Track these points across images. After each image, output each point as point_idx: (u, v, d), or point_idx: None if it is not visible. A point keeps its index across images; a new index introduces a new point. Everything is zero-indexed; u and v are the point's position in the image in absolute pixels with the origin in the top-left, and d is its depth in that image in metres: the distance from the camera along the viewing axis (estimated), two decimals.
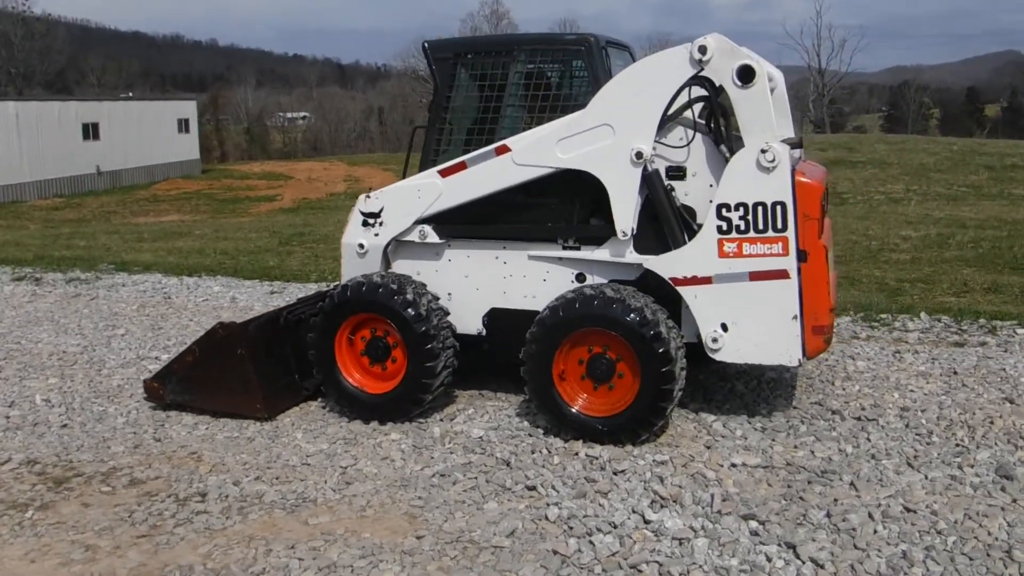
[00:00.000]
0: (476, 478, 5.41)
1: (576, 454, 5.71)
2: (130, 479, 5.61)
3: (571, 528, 4.71)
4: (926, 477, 5.24)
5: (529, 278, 6.31)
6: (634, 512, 4.86)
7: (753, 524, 4.71)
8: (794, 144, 5.97)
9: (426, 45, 6.52)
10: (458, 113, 6.47)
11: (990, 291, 10.57)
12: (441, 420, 6.39)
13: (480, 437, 6.05)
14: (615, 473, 5.40)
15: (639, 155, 5.75)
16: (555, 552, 4.48)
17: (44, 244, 17.63)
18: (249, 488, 5.39)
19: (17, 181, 31.43)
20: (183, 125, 45.68)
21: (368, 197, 6.63)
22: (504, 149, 6.11)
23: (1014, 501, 4.91)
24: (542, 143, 6.00)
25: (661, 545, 4.52)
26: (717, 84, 5.67)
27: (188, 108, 47.07)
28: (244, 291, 11.55)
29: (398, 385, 6.28)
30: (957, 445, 5.72)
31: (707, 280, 5.79)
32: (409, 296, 6.16)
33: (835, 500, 4.95)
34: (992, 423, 6.06)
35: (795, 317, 5.65)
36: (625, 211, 5.88)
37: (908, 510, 4.81)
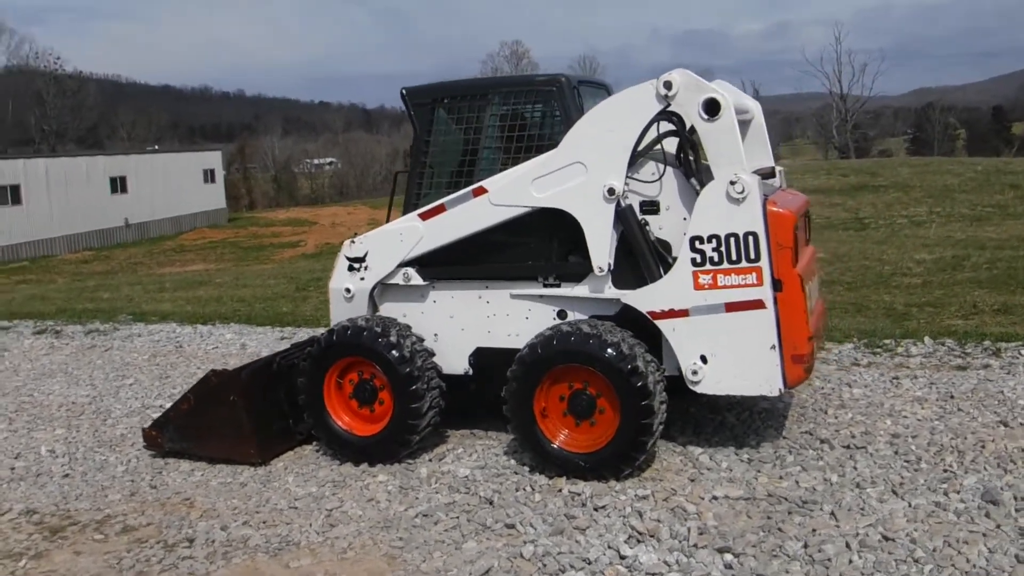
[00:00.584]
0: (458, 518, 5.45)
1: (559, 491, 5.73)
2: (123, 526, 5.73)
3: (544, 566, 4.73)
4: (909, 505, 5.18)
5: (512, 316, 6.38)
6: (609, 548, 4.87)
7: (728, 557, 4.70)
8: (766, 174, 6.03)
9: (404, 91, 6.70)
10: (437, 157, 6.61)
11: (1000, 312, 10.44)
12: (430, 460, 6.45)
13: (466, 476, 6.09)
14: (595, 509, 5.41)
15: (611, 191, 5.84)
16: None
17: (69, 297, 18.04)
18: (236, 533, 5.47)
19: (47, 236, 32.24)
20: (209, 175, 46.62)
21: (353, 242, 6.77)
22: (481, 191, 6.23)
23: (998, 527, 4.84)
24: (517, 183, 6.11)
25: None
26: (685, 118, 5.76)
27: (213, 159, 48.07)
28: (255, 338, 11.72)
29: (385, 427, 6.36)
30: (945, 471, 5.66)
31: (684, 313, 5.83)
32: (393, 339, 6.26)
33: (813, 530, 4.92)
34: (983, 447, 5.99)
35: (773, 347, 5.66)
36: (600, 247, 5.95)
37: (886, 538, 4.77)
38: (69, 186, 33.22)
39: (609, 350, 5.67)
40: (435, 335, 6.60)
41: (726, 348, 5.77)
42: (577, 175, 5.94)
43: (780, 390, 5.73)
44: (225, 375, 6.66)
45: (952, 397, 7.16)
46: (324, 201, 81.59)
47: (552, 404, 5.98)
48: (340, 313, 6.81)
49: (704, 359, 5.81)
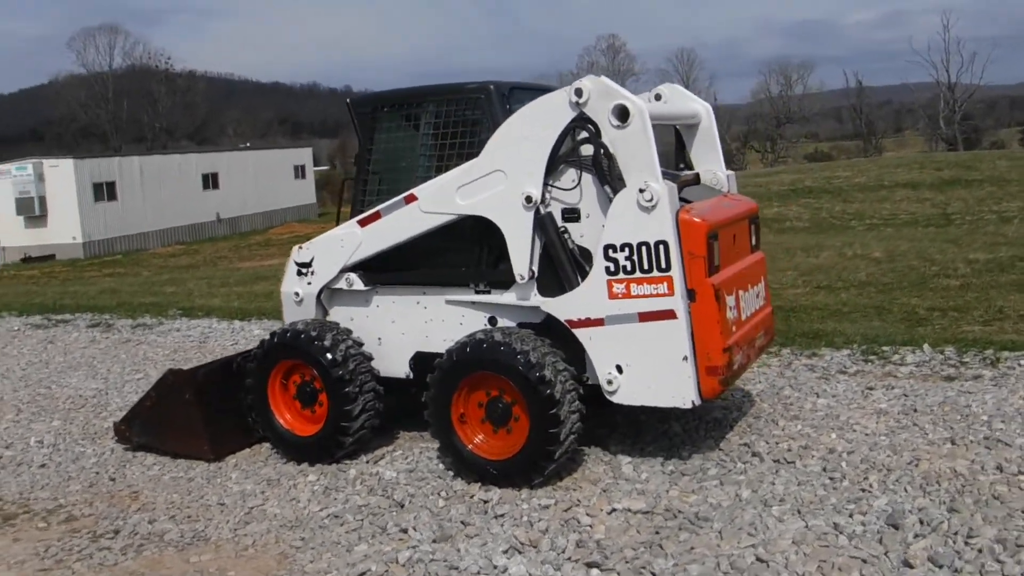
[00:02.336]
0: (363, 520, 5.60)
1: (471, 497, 5.80)
2: (67, 516, 6.12)
3: (413, 571, 4.83)
4: (806, 525, 5.02)
5: (447, 322, 6.47)
6: (483, 557, 4.92)
7: (595, 572, 4.68)
8: (688, 181, 5.91)
9: (348, 101, 6.87)
10: (379, 164, 6.75)
11: None
12: (366, 462, 6.61)
13: (391, 479, 6.23)
14: (494, 517, 5.46)
15: (529, 199, 5.85)
16: None
17: (137, 291, 19.09)
18: (159, 527, 5.78)
19: (141, 231, 34.12)
20: (299, 171, 48.21)
21: (300, 248, 7.00)
22: (412, 198, 6.34)
23: (885, 553, 4.65)
24: (443, 191, 6.19)
25: None
26: (596, 125, 5.71)
27: (304, 155, 49.68)
28: None
29: (322, 428, 6.56)
30: (863, 490, 5.44)
31: (599, 322, 5.80)
32: (327, 342, 6.45)
33: (691, 548, 4.84)
34: (916, 466, 5.73)
35: (685, 358, 5.57)
36: (521, 255, 5.97)
37: (760, 560, 4.65)
38: (162, 182, 35.06)
39: (518, 358, 5.69)
40: (378, 339, 6.76)
41: (640, 358, 5.71)
42: (497, 183, 5.98)
43: (693, 403, 5.63)
44: (181, 374, 7.00)
45: (915, 411, 6.84)
46: None
47: (471, 410, 6.05)
48: (291, 316, 7.05)
49: (620, 369, 5.77)
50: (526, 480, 5.81)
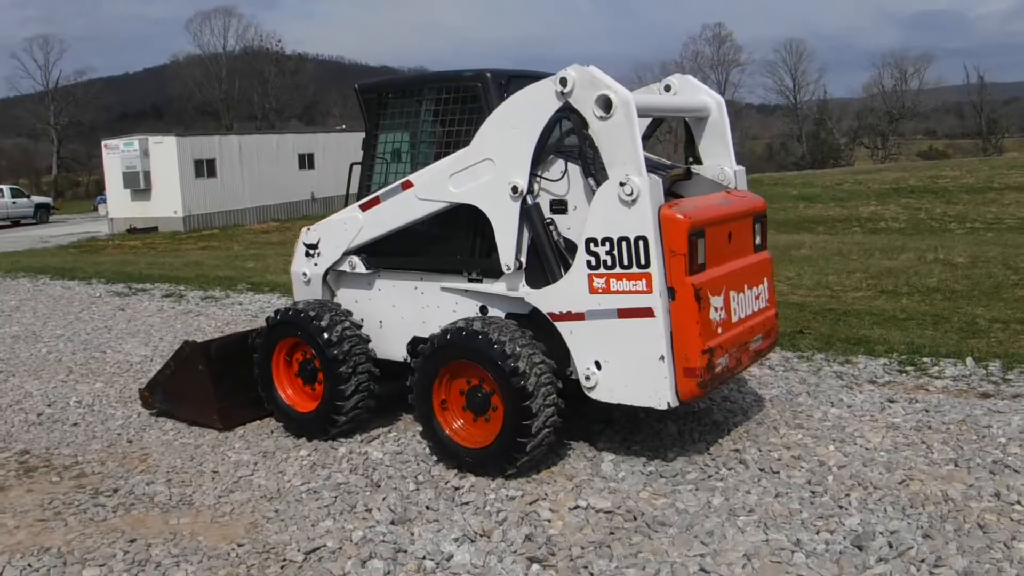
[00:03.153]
0: (337, 497, 5.74)
1: (445, 482, 5.86)
2: (79, 473, 6.49)
3: (362, 551, 4.92)
4: (766, 539, 4.87)
5: (443, 309, 6.53)
6: (433, 542, 4.97)
7: (535, 568, 4.67)
8: (677, 176, 5.76)
9: (356, 87, 6.99)
10: (383, 150, 6.85)
11: None
12: (360, 441, 6.76)
13: (377, 459, 6.36)
14: (459, 504, 5.50)
15: (515, 189, 5.84)
16: (330, 572, 4.72)
17: (217, 264, 19.93)
18: (153, 488, 6.07)
19: (238, 207, 35.47)
20: None
21: (309, 230, 7.18)
22: (408, 184, 6.42)
23: (839, 575, 4.47)
24: (437, 178, 6.24)
25: None
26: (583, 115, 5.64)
27: None
28: None
29: (318, 406, 6.74)
30: (840, 507, 5.23)
31: (580, 316, 5.74)
32: (324, 322, 6.62)
33: (637, 553, 4.77)
34: (906, 486, 5.46)
35: (662, 358, 5.46)
36: (507, 245, 5.97)
37: (703, 571, 4.54)
38: (260, 161, 36.33)
39: (494, 348, 5.70)
40: (380, 322, 6.89)
41: (618, 355, 5.64)
42: (487, 172, 5.99)
43: (669, 404, 5.52)
44: (196, 346, 7.30)
45: (928, 428, 6.51)
46: None
47: (453, 397, 6.11)
48: (300, 295, 7.26)
49: (598, 365, 5.71)
50: (499, 470, 5.83)
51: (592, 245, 5.61)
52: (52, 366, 9.74)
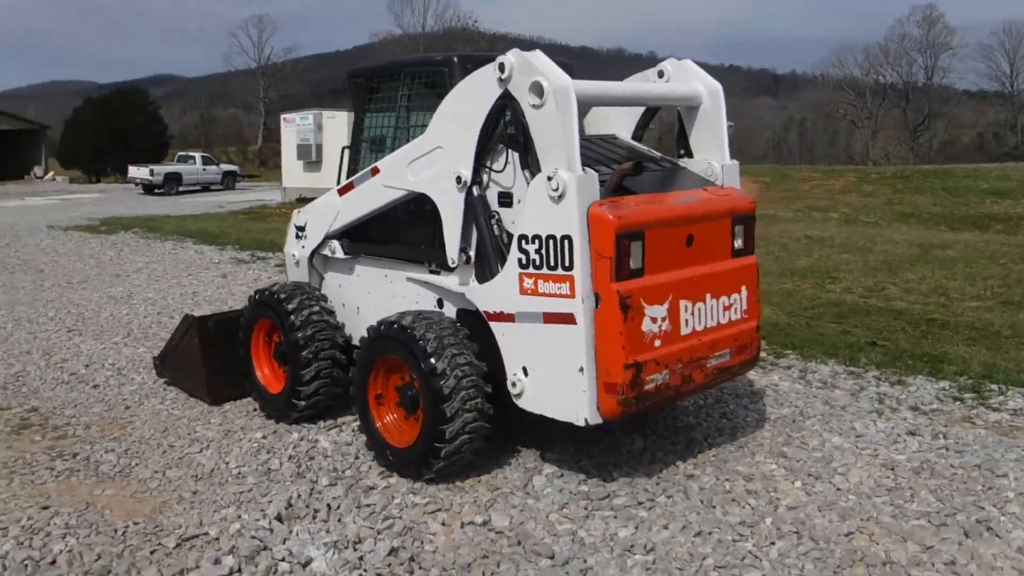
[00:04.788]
0: (256, 484, 5.67)
1: (358, 481, 5.65)
2: (61, 435, 6.81)
3: (227, 544, 4.81)
4: None
5: (407, 299, 6.29)
6: (299, 544, 4.78)
7: None
8: (624, 171, 5.16)
9: (347, 72, 6.83)
10: (368, 134, 6.65)
11: None
12: (322, 428, 6.65)
13: (321, 449, 6.23)
14: (357, 506, 5.27)
15: (459, 179, 5.49)
16: (184, 562, 4.64)
17: None
18: (104, 457, 6.26)
19: None
20: None
21: (299, 212, 7.13)
22: (376, 171, 6.20)
23: None
24: (397, 165, 5.98)
25: None
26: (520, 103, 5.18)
27: None
28: None
29: (283, 388, 6.71)
30: (754, 557, 4.54)
31: (510, 317, 5.33)
32: (291, 305, 6.56)
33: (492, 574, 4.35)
34: (850, 541, 4.66)
35: (581, 369, 4.96)
36: (453, 238, 5.64)
37: None
38: None
39: (418, 345, 5.40)
40: (357, 308, 6.75)
41: (542, 363, 5.19)
42: (438, 161, 5.67)
43: (587, 421, 5.01)
44: (194, 320, 7.47)
45: (931, 471, 5.56)
46: None
47: (389, 393, 5.87)
48: (292, 276, 7.25)
49: (526, 371, 5.28)
50: (417, 473, 5.54)
51: (523, 242, 5.17)
52: (118, 328, 10.37)
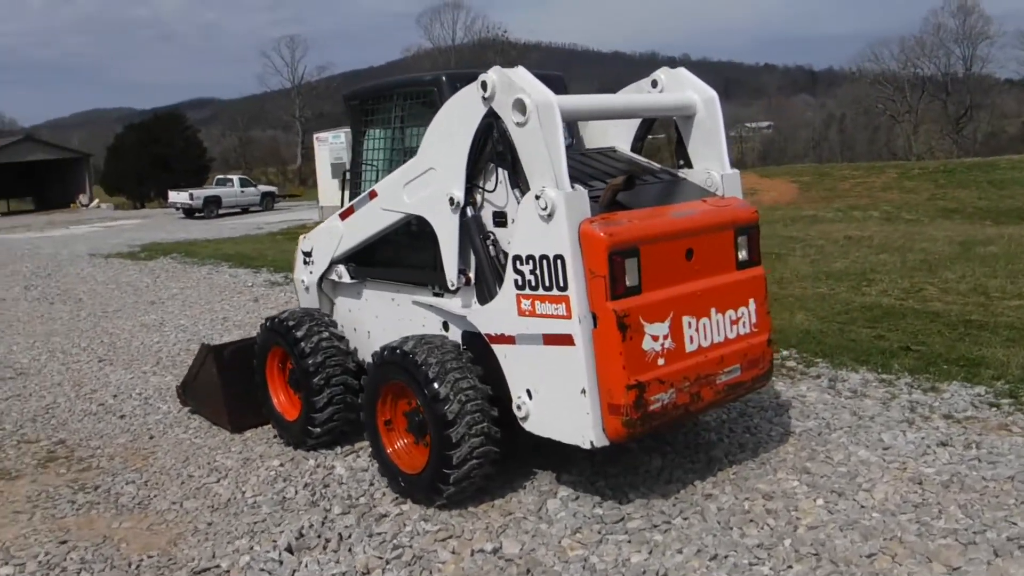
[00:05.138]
0: (270, 514, 5.66)
1: (375, 508, 5.60)
2: (85, 467, 6.88)
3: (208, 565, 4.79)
4: None
5: (414, 323, 6.24)
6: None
7: None
8: (616, 186, 5.05)
9: (344, 95, 6.81)
10: (366, 156, 6.63)
11: None
12: (339, 454, 6.62)
13: (337, 476, 6.20)
14: (368, 535, 5.22)
15: (451, 200, 5.43)
16: None
17: None
18: (125, 489, 6.30)
19: None
20: None
21: (304, 238, 7.12)
22: (374, 194, 6.17)
23: None
24: (394, 188, 5.95)
25: None
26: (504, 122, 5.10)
27: None
28: None
29: (299, 415, 6.69)
30: None
31: (511, 340, 5.25)
32: (301, 332, 6.54)
33: None
34: (871, 563, 4.49)
35: (584, 391, 4.85)
36: (450, 260, 5.58)
37: None
38: None
39: (420, 370, 5.34)
40: (367, 332, 6.72)
41: (545, 385, 5.10)
42: (432, 182, 5.62)
43: (592, 443, 4.90)
44: (211, 349, 7.50)
45: (960, 485, 5.34)
46: (746, 166, 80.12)
47: (398, 418, 5.82)
48: (303, 302, 7.24)
49: (530, 394, 5.19)
50: (428, 500, 5.48)
51: (518, 263, 5.09)
52: (147, 356, 10.49)
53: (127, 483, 6.41)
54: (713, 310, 5.28)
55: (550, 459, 6.02)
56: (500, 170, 5.37)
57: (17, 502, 6.21)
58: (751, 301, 5.54)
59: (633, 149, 6.36)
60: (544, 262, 4.93)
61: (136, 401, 8.60)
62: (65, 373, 9.91)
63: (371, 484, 6.01)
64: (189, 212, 39.91)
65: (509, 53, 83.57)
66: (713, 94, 5.84)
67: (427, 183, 5.64)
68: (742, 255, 5.54)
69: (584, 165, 5.78)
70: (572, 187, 4.89)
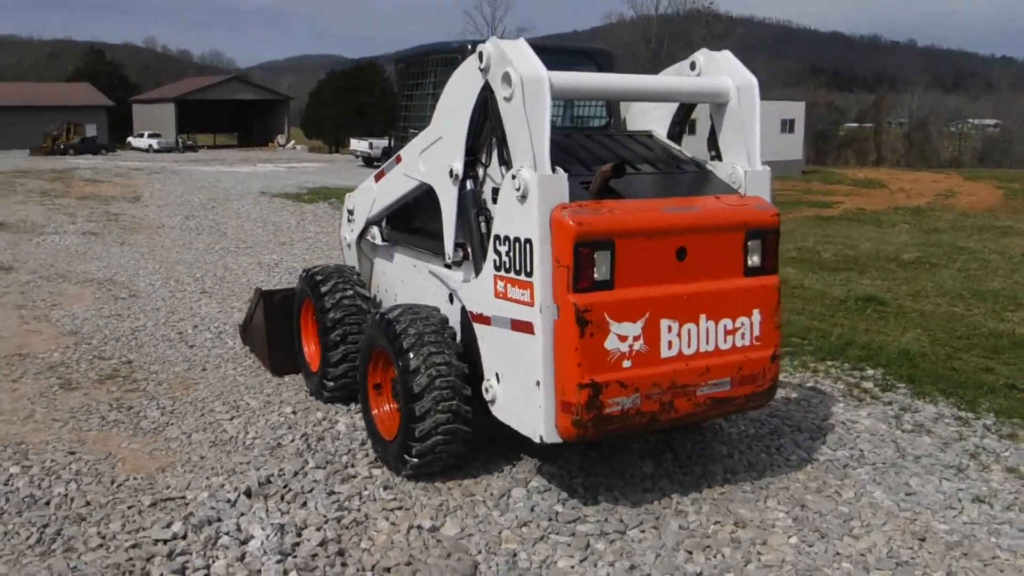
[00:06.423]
0: (255, 457, 5.84)
1: (348, 467, 5.66)
2: (133, 388, 7.37)
3: (185, 511, 4.97)
4: None
5: (429, 291, 6.19)
6: (250, 523, 4.85)
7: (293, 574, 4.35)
8: (606, 172, 4.72)
9: (393, 57, 6.79)
10: (408, 120, 6.59)
11: None
12: (347, 411, 6.70)
13: (337, 431, 6.30)
14: (327, 493, 5.27)
15: (451, 172, 5.31)
16: (146, 524, 4.86)
17: None
18: (151, 413, 6.70)
19: None
20: (787, 125, 46.34)
21: (349, 196, 7.21)
22: (399, 159, 6.13)
23: None
24: (413, 154, 5.89)
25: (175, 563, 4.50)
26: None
27: (795, 109, 47.49)
28: None
29: (318, 366, 6.85)
30: None
31: (487, 320, 5.11)
32: (326, 288, 6.67)
33: None
34: None
35: (538, 383, 4.64)
36: (448, 233, 5.48)
37: None
38: None
39: (397, 340, 5.30)
40: (395, 296, 6.76)
41: (510, 371, 4.92)
42: (440, 152, 5.52)
43: (542, 438, 4.69)
44: (263, 294, 7.80)
45: (965, 552, 4.66)
46: (962, 165, 73.85)
47: (387, 383, 5.82)
48: (346, 259, 7.38)
49: (498, 378, 5.03)
50: (396, 468, 5.47)
51: (497, 243, 4.93)
52: (245, 294, 11.06)
53: (156, 408, 6.82)
54: (703, 316, 4.87)
55: (542, 447, 5.82)
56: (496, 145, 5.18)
57: (61, 411, 6.76)
58: (756, 312, 5.05)
59: (671, 134, 5.95)
60: (516, 245, 4.73)
61: (211, 334, 9.11)
62: (168, 300, 10.66)
63: (362, 444, 6.06)
64: (368, 161, 41.69)
65: (715, 26, 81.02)
66: (751, 81, 5.35)
67: (436, 153, 5.55)
68: (752, 261, 5.06)
69: (602, 148, 5.48)
70: (553, 170, 4.64)
